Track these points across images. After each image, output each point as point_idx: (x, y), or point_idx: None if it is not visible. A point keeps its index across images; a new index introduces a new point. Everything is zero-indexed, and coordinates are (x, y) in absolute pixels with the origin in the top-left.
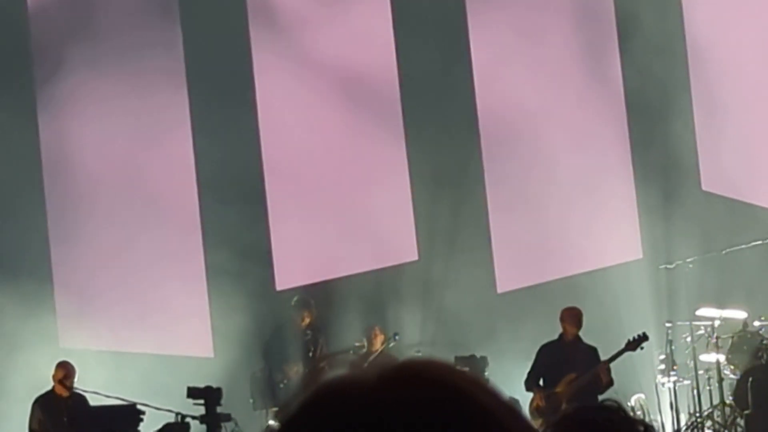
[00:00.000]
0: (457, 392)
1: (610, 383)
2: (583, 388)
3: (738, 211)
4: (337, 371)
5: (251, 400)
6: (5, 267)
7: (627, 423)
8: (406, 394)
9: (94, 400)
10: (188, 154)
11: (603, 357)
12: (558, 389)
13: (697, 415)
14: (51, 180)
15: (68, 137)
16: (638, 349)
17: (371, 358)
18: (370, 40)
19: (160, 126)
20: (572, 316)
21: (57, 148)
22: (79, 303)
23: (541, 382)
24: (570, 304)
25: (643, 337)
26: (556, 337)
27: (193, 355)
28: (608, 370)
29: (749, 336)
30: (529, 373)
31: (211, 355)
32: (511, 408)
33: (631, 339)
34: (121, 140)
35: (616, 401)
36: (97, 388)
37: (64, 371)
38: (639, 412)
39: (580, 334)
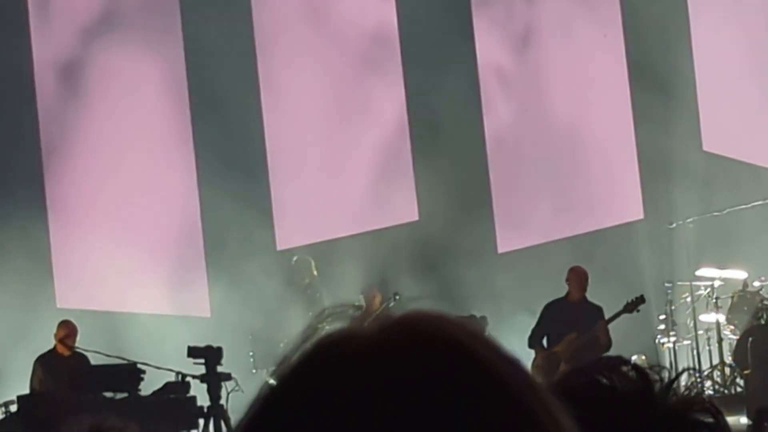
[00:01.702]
0: (457, 346)
1: (609, 343)
2: (582, 348)
3: (739, 171)
4: (336, 325)
5: (251, 360)
6: (2, 228)
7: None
8: (408, 347)
9: (95, 360)
10: (185, 118)
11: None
12: (558, 348)
13: (697, 375)
14: (47, 138)
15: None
16: (635, 311)
17: (370, 318)
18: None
19: (155, 88)
20: (576, 276)
21: (53, 86)
22: (75, 263)
23: (545, 341)
24: (572, 264)
25: (640, 300)
26: (561, 295)
27: (190, 314)
28: (606, 331)
29: (749, 296)
30: (533, 330)
31: (208, 315)
32: (511, 361)
33: (628, 301)
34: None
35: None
36: (93, 348)
37: (66, 330)
38: None
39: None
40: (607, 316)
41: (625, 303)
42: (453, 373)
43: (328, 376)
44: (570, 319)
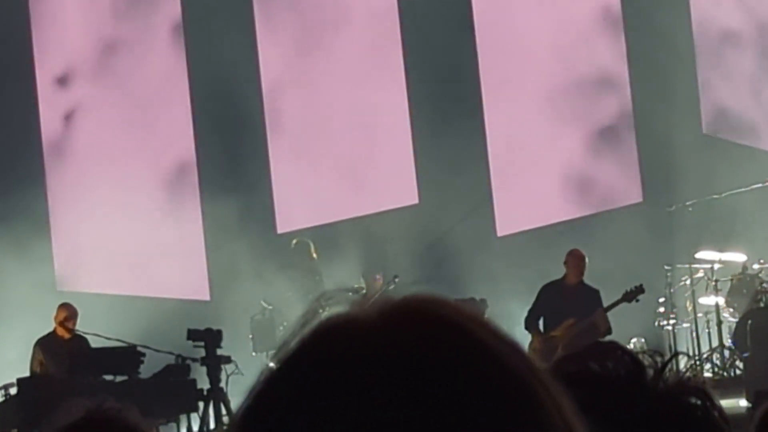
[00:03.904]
0: (456, 329)
1: (608, 330)
2: (580, 334)
3: (738, 154)
4: (336, 309)
5: (251, 343)
6: (2, 211)
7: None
8: (407, 331)
9: (95, 342)
10: (186, 103)
11: (605, 301)
12: (556, 333)
13: (696, 357)
14: (48, 120)
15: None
16: (634, 301)
17: (363, 297)
18: None
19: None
20: (574, 260)
21: (55, 74)
22: (75, 246)
23: (541, 323)
24: (571, 247)
25: (639, 289)
26: (558, 277)
27: (189, 298)
28: (605, 318)
29: (748, 279)
30: (529, 312)
31: (207, 298)
32: (511, 344)
33: (627, 290)
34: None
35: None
36: (93, 331)
37: (66, 313)
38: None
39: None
40: (605, 301)
41: (624, 292)
42: (452, 356)
43: (328, 360)
44: (567, 301)
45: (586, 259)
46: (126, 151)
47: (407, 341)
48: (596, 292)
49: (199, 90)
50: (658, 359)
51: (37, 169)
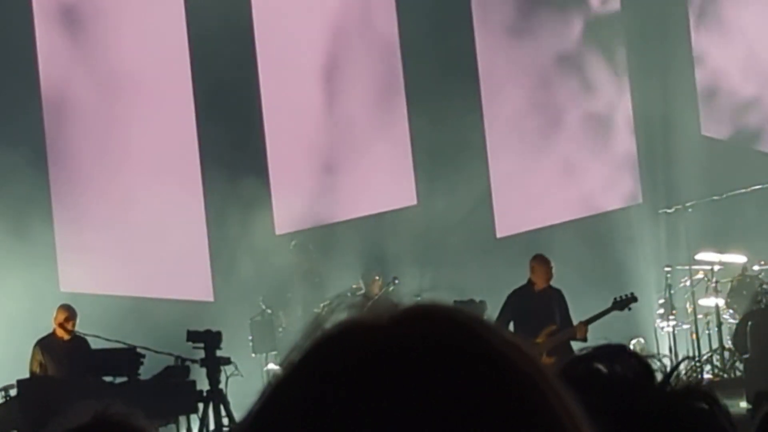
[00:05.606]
0: (468, 333)
1: (584, 341)
2: (563, 342)
3: (738, 155)
4: (342, 314)
5: (251, 344)
6: (6, 211)
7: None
8: (419, 334)
9: (95, 344)
10: (189, 103)
11: (596, 304)
12: (538, 340)
13: (696, 359)
14: (51, 124)
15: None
16: (626, 309)
17: (371, 302)
18: None
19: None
20: (541, 267)
21: (57, 79)
22: (79, 247)
23: (511, 328)
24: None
25: (632, 298)
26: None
27: (193, 298)
28: (585, 330)
29: (749, 280)
30: (497, 319)
31: (211, 298)
32: (520, 348)
33: (617, 298)
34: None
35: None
36: (97, 332)
37: (66, 314)
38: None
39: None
40: (596, 304)
41: (613, 300)
42: (465, 360)
43: (340, 364)
44: (536, 306)
45: (552, 265)
46: (131, 156)
47: (419, 346)
48: (559, 292)
49: (202, 92)
50: (665, 362)
51: (40, 169)
